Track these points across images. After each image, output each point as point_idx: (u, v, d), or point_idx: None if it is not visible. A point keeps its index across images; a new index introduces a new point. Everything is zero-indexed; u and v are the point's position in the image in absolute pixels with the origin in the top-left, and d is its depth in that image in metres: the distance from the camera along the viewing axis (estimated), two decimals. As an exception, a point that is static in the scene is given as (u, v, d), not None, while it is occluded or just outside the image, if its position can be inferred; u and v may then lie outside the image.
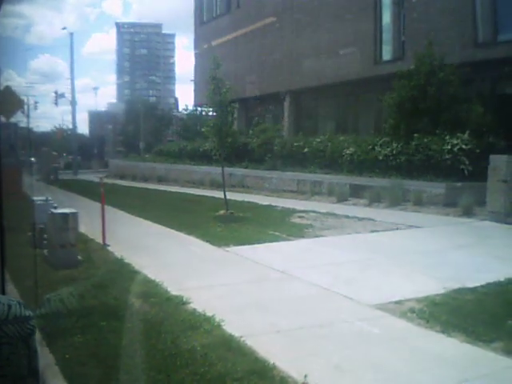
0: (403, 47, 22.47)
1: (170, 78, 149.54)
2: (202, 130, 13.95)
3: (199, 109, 53.60)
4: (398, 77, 18.18)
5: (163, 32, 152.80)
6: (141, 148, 43.19)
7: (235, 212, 13.44)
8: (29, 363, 1.12)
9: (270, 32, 28.80)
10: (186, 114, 52.80)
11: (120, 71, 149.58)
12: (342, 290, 6.72)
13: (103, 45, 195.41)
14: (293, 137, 24.30)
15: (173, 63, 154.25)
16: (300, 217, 13.22)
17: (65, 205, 14.01)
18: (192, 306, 5.87)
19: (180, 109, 70.82)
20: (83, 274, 7.35)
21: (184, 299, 6.06)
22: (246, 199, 17.43)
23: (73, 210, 8.07)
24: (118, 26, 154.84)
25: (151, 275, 7.20)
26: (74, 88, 39.07)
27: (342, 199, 16.87)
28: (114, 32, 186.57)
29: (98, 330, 4.96)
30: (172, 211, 14.56)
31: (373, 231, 11.33)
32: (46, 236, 9.14)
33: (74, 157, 37.91)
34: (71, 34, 39.83)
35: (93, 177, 34.87)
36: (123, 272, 7.41)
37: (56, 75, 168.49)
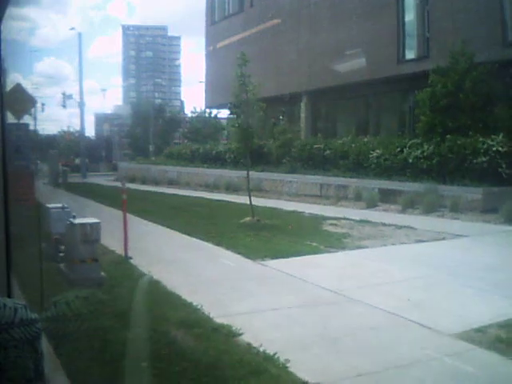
0: (428, 45, 21.43)
1: (175, 80, 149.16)
2: (226, 130, 12.85)
3: (208, 111, 53.03)
4: (432, 73, 17.16)
5: (169, 34, 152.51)
6: (150, 150, 42.29)
7: (262, 219, 12.43)
8: (35, 366, 1.10)
9: (286, 31, 27.83)
10: (195, 117, 52.07)
11: (125, 74, 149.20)
12: (413, 316, 5.71)
13: (108, 47, 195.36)
14: (311, 138, 23.25)
15: (178, 66, 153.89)
16: (333, 224, 12.20)
17: (78, 211, 13.08)
18: (245, 338, 4.87)
19: (186, 111, 70.16)
20: (108, 294, 6.35)
21: (233, 329, 5.06)
22: (266, 204, 16.42)
23: (95, 220, 7.09)
24: (124, 28, 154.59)
25: (187, 296, 6.20)
26: (83, 89, 38.20)
27: (371, 205, 15.83)
28: (118, 35, 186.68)
29: (140, 374, 3.97)
30: (192, 218, 13.57)
31: (418, 241, 10.31)
32: (62, 248, 8.18)
33: (82, 159, 37.00)
34: (79, 34, 38.82)
35: (102, 180, 34.00)
36: (155, 292, 6.41)
37: (61, 78, 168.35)
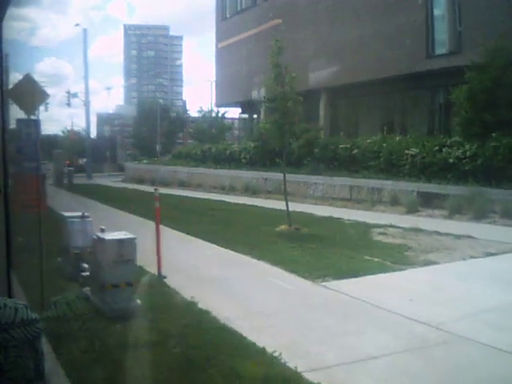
0: (460, 40, 20.04)
1: (177, 80, 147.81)
2: (261, 125, 11.44)
3: (216, 110, 51.63)
4: (468, 69, 15.78)
5: (170, 34, 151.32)
6: (157, 150, 40.88)
7: (300, 227, 11.04)
8: (35, 366, 1.11)
9: (303, 25, 26.40)
10: (201, 117, 50.65)
11: (127, 73, 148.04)
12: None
13: (109, 47, 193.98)
14: (334, 137, 21.82)
15: (180, 65, 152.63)
16: (382, 234, 10.78)
17: (93, 218, 11.73)
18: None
19: (189, 111, 68.66)
20: (151, 332, 4.96)
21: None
22: (295, 208, 14.98)
23: (129, 235, 5.69)
24: (125, 27, 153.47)
25: (251, 335, 4.81)
26: (88, 87, 36.77)
27: (412, 210, 14.41)
28: (119, 34, 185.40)
29: None
30: (218, 224, 12.17)
31: (488, 254, 8.91)
32: (84, 266, 6.80)
33: (87, 160, 35.60)
34: (84, 30, 37.41)
35: (108, 181, 32.56)
36: (209, 330, 5.01)
37: (61, 77, 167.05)
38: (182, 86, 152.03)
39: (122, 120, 65.25)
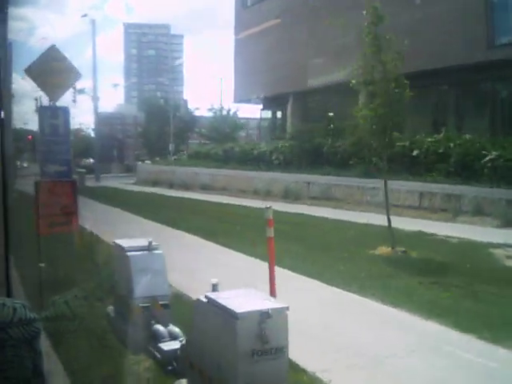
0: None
1: (177, 79, 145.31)
2: (357, 114, 8.87)
3: (227, 107, 49.14)
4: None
5: (171, 33, 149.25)
6: (170, 150, 38.30)
7: (403, 248, 8.47)
8: (33, 365, 1.10)
9: (343, 10, 23.82)
10: (212, 115, 48.19)
11: (127, 72, 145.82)
12: None
13: (108, 47, 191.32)
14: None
15: (181, 64, 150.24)
16: (509, 257, 8.23)
17: (119, 228, 9.22)
18: None
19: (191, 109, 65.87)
20: None
21: None
22: (357, 219, 12.48)
23: (278, 304, 3.09)
24: (125, 26, 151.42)
25: None
26: (97, 82, 34.09)
27: (507, 222, 11.87)
28: (117, 34, 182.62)
29: None
30: (294, 244, 9.51)
31: None
32: (159, 331, 4.22)
33: (96, 160, 33.00)
34: (93, 21, 34.80)
35: (117, 183, 29.92)
36: None
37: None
38: (182, 85, 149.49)
39: (124, 119, 62.67)
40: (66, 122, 7.16)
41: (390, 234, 8.67)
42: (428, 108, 21.62)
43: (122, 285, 4.83)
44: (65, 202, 6.91)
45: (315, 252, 8.67)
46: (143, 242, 4.84)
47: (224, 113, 48.58)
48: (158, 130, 46.09)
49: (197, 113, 53.83)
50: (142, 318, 4.49)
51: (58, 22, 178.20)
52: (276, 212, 14.19)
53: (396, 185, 15.46)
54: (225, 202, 17.39)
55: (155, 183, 27.22)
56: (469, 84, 19.75)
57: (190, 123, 50.67)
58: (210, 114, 48.70)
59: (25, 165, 34.30)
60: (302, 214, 13.64)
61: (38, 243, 6.32)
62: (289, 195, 18.02)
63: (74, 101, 37.45)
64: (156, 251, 4.72)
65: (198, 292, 5.67)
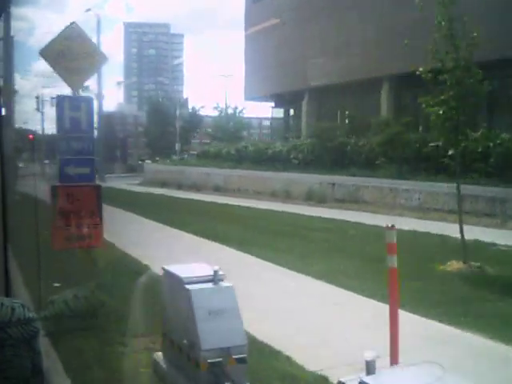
0: None
1: (177, 78, 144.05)
2: (425, 105, 7.55)
3: (232, 107, 47.96)
4: None
5: (171, 32, 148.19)
6: (177, 150, 37.06)
7: (477, 263, 7.27)
8: (33, 365, 1.12)
9: (358, 2, 22.63)
10: (218, 114, 47.06)
11: (127, 72, 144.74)
12: None
13: (108, 46, 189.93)
14: (418, 133, 17.90)
15: (181, 64, 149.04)
16: None
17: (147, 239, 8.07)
18: None
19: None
20: None
21: None
22: (398, 226, 11.19)
23: None
24: (126, 26, 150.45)
25: None
26: (101, 79, 32.75)
27: None
28: (117, 33, 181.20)
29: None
30: (343, 256, 8.32)
31: None
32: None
33: (100, 160, 31.71)
34: (97, 16, 33.54)
35: (123, 183, 28.66)
36: None
37: (57, 78, 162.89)
38: (182, 85, 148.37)
39: (125, 119, 61.44)
40: (89, 114, 5.98)
41: (463, 247, 7.45)
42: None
43: (178, 327, 3.61)
44: (87, 210, 5.74)
45: (372, 266, 7.44)
46: (204, 270, 3.61)
47: (230, 111, 47.46)
48: (161, 130, 44.86)
49: (201, 112, 52.76)
50: (209, 376, 3.27)
51: (59, 22, 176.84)
52: (303, 217, 13.06)
53: (437, 187, 14.26)
54: (245, 204, 16.13)
55: (163, 184, 26.00)
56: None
57: (193, 122, 49.49)
58: (215, 113, 47.68)
59: (20, 165, 33.06)
60: (334, 220, 12.40)
61: (49, 258, 5.23)
62: (312, 197, 16.80)
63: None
64: (224, 283, 3.50)
65: (283, 340, 4.42)
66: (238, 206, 15.64)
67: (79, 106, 5.73)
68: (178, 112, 42.22)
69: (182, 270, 3.73)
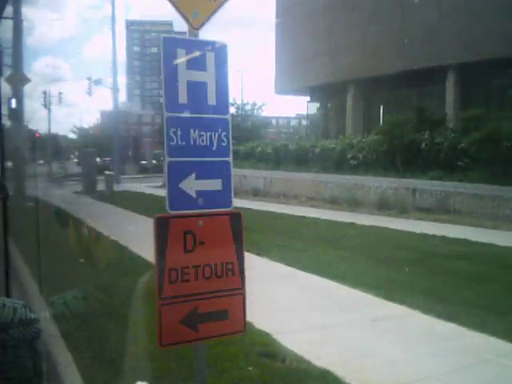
0: None
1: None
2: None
3: (251, 103, 45.51)
4: None
5: (174, 30, 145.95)
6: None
7: None
8: (34, 366, 1.09)
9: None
10: (235, 111, 44.55)
11: (130, 70, 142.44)
12: None
13: (107, 46, 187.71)
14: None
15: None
16: None
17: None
18: None
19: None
20: None
21: None
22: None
23: None
24: (127, 23, 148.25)
25: None
26: (117, 71, 30.05)
27: None
28: (119, 31, 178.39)
29: None
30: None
31: None
32: None
33: (114, 160, 29.13)
34: (112, 1, 30.88)
35: (142, 186, 26.02)
36: None
37: (57, 77, 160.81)
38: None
39: (139, 117, 59.09)
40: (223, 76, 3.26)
41: None
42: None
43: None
44: (221, 260, 2.87)
45: None
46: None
47: (248, 108, 44.99)
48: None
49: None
50: None
51: (58, 22, 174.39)
52: (409, 234, 10.10)
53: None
54: (306, 214, 13.34)
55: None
56: None
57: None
58: (232, 110, 45.15)
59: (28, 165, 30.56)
60: (459, 240, 9.56)
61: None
62: (388, 206, 14.07)
63: (90, 93, 33.64)
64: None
65: None
66: (319, 218, 12.72)
67: (203, 60, 3.03)
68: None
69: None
